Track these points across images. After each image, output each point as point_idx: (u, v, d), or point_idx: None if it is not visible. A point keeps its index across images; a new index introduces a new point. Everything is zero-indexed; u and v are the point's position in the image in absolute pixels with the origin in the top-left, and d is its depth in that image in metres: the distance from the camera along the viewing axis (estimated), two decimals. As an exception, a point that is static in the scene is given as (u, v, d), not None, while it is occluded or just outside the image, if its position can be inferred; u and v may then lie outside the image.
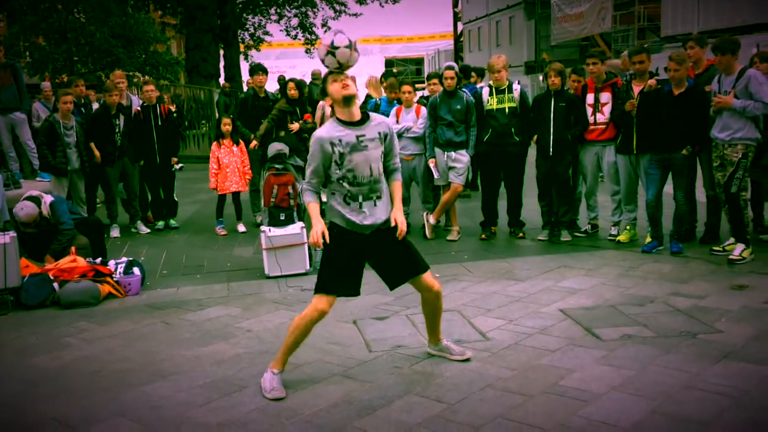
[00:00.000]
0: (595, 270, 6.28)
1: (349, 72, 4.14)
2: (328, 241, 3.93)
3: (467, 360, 4.33)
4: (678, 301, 5.30)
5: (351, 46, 3.95)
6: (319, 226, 3.93)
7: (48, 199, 6.70)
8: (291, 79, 9.05)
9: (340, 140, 3.93)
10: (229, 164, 8.45)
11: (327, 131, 3.98)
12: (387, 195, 4.12)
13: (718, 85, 6.29)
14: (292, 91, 8.65)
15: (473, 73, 10.90)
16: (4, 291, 5.88)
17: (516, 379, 4.03)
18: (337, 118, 4.01)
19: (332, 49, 3.93)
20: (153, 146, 8.68)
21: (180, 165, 8.76)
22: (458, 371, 4.18)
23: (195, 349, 4.78)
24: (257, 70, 9.19)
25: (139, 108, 8.83)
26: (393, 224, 4.08)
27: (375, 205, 4.02)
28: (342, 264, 4.01)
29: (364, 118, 4.02)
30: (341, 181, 3.98)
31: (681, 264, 6.34)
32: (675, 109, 6.47)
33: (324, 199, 4.73)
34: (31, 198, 6.66)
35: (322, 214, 4.10)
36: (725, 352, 4.27)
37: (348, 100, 3.95)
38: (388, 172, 4.18)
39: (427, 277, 4.16)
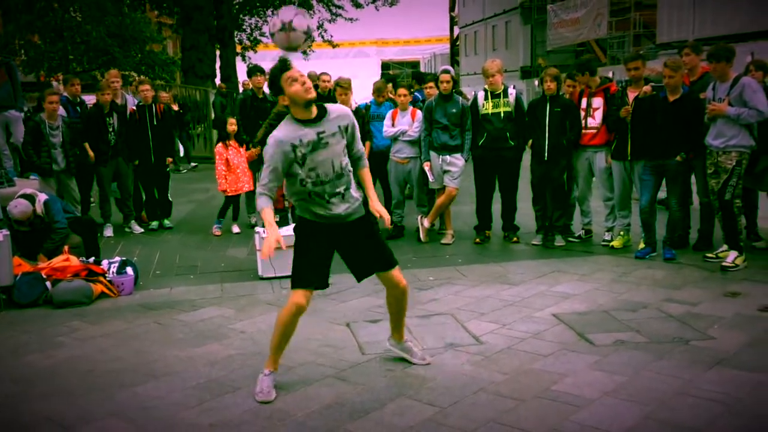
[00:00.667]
0: (589, 275, 6.30)
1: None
2: (284, 248, 3.78)
3: (428, 365, 4.32)
4: (671, 307, 5.32)
5: (308, 32, 3.86)
6: (273, 235, 3.72)
7: (42, 197, 6.68)
8: None
9: (300, 140, 3.79)
10: (238, 165, 8.41)
11: (285, 133, 3.82)
12: (353, 184, 4.04)
13: (713, 93, 6.32)
14: None
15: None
16: (-3, 289, 5.86)
17: (508, 384, 4.04)
18: (294, 117, 3.84)
19: (288, 28, 3.81)
20: (148, 146, 8.65)
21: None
22: (451, 375, 4.18)
23: (188, 349, 4.77)
24: (255, 71, 9.19)
25: (134, 107, 8.81)
26: (378, 216, 4.06)
27: (343, 198, 3.93)
28: (314, 256, 3.96)
29: (322, 113, 3.86)
30: (304, 182, 3.86)
31: (674, 270, 6.36)
32: (670, 116, 6.49)
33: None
34: (25, 196, 6.64)
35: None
36: (718, 359, 4.29)
37: (310, 104, 3.81)
38: (354, 161, 4.08)
39: (396, 273, 4.14)
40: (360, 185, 4.16)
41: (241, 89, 17.62)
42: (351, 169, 4.02)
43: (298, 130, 3.82)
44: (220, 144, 8.54)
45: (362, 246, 4.09)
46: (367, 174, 4.17)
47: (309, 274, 3.94)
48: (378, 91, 8.49)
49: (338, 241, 4.05)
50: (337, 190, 3.91)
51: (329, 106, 3.94)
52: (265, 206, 3.83)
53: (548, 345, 4.62)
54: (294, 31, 3.83)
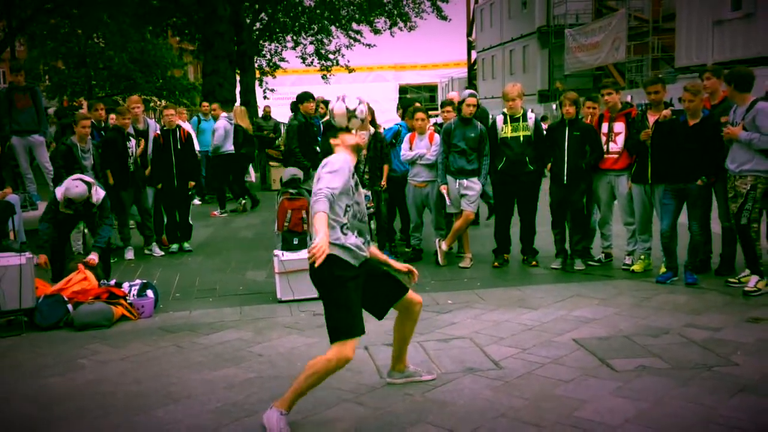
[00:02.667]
0: (609, 300, 6.24)
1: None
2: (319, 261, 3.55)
3: (434, 379, 4.44)
4: (693, 332, 5.25)
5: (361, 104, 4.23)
6: (324, 241, 3.51)
7: (101, 192, 6.97)
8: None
9: (354, 174, 4.00)
10: None
11: (349, 163, 4.01)
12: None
13: (733, 116, 6.30)
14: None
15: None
16: (19, 312, 5.91)
17: (529, 409, 4.00)
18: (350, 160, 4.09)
19: (351, 113, 4.16)
20: (171, 170, 8.76)
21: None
22: (470, 400, 4.15)
23: (206, 372, 4.78)
24: (308, 97, 9.27)
25: (158, 132, 8.93)
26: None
27: (366, 244, 4.03)
28: (353, 303, 3.87)
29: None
30: (348, 209, 3.91)
31: (696, 295, 6.29)
32: (690, 140, 6.47)
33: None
34: (83, 180, 6.84)
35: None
36: (741, 386, 4.22)
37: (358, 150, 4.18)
38: None
39: (411, 293, 4.22)
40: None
41: (261, 114, 17.65)
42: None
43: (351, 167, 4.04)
44: None
45: (376, 281, 4.10)
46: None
47: (353, 323, 3.82)
48: (410, 114, 8.49)
49: (362, 284, 3.99)
50: (364, 234, 4.03)
51: None
52: (321, 210, 3.64)
53: (569, 370, 4.57)
54: (355, 117, 4.19)
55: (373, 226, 4.15)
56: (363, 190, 4.15)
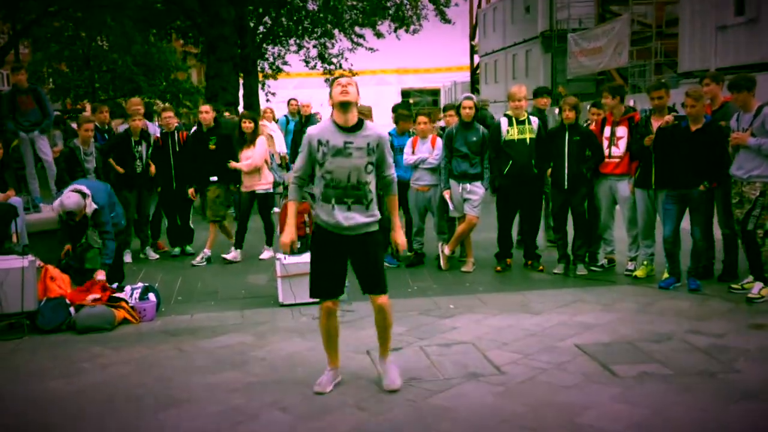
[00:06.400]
0: (612, 305, 6.23)
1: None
2: (295, 249, 4.46)
3: (394, 391, 4.34)
4: (696, 338, 5.23)
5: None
6: (290, 234, 4.32)
7: (93, 205, 6.61)
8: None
9: (327, 141, 4.14)
10: None
11: (318, 130, 4.22)
12: (371, 203, 4.26)
13: (737, 123, 6.28)
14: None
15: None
16: (21, 315, 5.91)
17: (531, 415, 3.98)
18: (333, 120, 4.20)
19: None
20: (170, 172, 8.75)
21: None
22: (472, 406, 4.14)
23: (208, 376, 4.77)
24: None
25: (158, 135, 8.93)
26: (395, 247, 4.50)
27: (348, 209, 4.19)
28: (328, 267, 4.30)
29: (359, 125, 4.20)
30: (321, 180, 4.21)
31: (699, 301, 6.27)
32: (692, 145, 6.46)
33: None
34: (75, 190, 6.57)
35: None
36: (743, 393, 4.20)
37: (344, 106, 4.15)
38: (383, 186, 4.40)
39: (380, 298, 4.34)
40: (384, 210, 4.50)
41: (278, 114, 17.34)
42: (372, 189, 4.28)
43: (330, 131, 4.18)
44: None
45: (362, 263, 4.34)
46: (392, 201, 4.47)
47: (323, 283, 4.32)
48: (402, 117, 8.39)
49: (348, 251, 4.30)
50: (345, 199, 4.19)
51: (369, 123, 4.27)
52: (292, 199, 4.36)
53: (571, 376, 4.56)
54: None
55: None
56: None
